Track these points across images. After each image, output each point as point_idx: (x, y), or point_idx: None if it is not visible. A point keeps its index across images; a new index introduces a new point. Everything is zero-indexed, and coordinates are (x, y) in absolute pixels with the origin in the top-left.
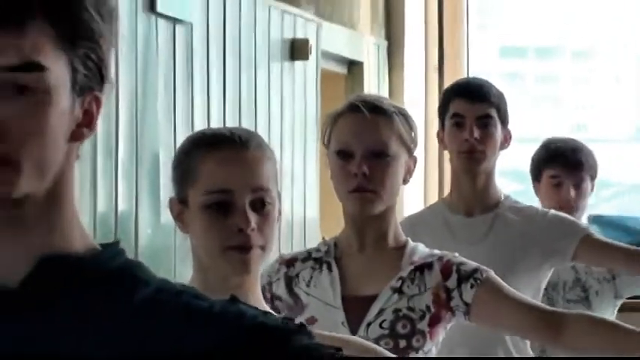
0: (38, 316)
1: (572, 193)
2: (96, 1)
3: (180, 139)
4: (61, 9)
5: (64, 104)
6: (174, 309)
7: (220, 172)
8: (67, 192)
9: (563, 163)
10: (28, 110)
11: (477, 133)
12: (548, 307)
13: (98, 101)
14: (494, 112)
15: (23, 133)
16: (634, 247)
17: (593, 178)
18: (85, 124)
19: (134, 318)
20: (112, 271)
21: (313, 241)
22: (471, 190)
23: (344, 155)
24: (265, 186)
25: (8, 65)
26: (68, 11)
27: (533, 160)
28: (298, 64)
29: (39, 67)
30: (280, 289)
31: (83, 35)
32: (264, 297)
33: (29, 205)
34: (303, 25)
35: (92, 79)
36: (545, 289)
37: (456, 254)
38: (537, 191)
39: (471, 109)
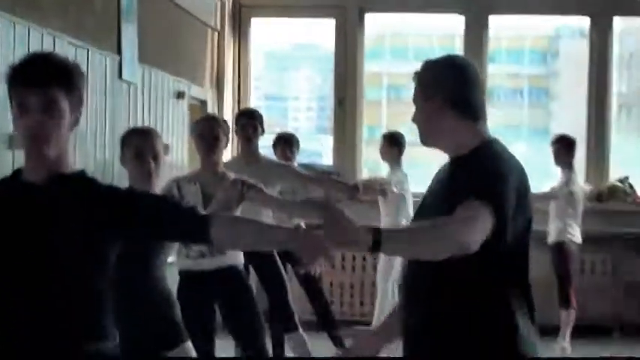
0: (50, 198)
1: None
2: (81, 75)
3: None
4: (68, 81)
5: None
6: (107, 190)
7: (137, 147)
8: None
9: None
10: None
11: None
12: None
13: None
14: None
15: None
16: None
17: None
18: (74, 124)
19: (93, 196)
20: (83, 177)
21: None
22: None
23: (202, 138)
24: (159, 150)
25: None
26: (70, 82)
27: None
28: (180, 101)
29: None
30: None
31: (76, 93)
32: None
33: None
34: (184, 84)
35: (77, 107)
36: None
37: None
38: None
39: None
